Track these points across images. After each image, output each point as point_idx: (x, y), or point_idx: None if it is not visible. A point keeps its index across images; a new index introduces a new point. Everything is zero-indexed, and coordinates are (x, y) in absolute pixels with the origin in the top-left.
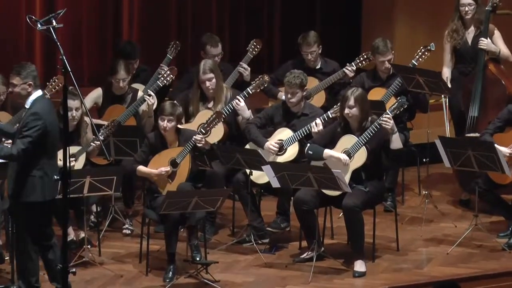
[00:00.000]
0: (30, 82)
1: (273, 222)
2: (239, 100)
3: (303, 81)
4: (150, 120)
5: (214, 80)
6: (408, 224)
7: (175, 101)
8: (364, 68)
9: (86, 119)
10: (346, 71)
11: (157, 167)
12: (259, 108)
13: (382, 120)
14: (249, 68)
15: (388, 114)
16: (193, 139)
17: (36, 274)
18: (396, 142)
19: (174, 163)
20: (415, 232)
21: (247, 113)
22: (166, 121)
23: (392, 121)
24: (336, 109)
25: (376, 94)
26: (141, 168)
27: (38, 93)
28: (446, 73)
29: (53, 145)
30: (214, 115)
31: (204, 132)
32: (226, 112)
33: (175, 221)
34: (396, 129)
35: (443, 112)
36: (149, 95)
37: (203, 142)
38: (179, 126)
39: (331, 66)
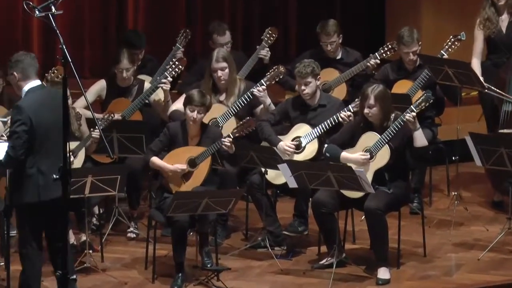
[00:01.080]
0: (15, 73)
1: (289, 226)
2: (260, 87)
3: (315, 69)
4: (167, 105)
5: (227, 70)
6: (436, 227)
7: (203, 90)
8: (389, 59)
9: (79, 110)
10: (369, 62)
11: (173, 163)
12: (275, 102)
13: (406, 117)
14: (268, 50)
15: (413, 111)
16: (221, 142)
17: (37, 281)
18: (420, 139)
19: (192, 163)
20: (443, 236)
21: (268, 100)
22: (196, 112)
23: (415, 118)
24: (357, 102)
25: (401, 87)
26: (155, 160)
27: (31, 84)
28: (476, 64)
29: (44, 141)
30: (246, 122)
31: (232, 137)
32: (239, 106)
33: (183, 226)
34: (418, 126)
35: (474, 106)
36: (164, 82)
37: (230, 148)
38: (204, 121)
39: (352, 57)
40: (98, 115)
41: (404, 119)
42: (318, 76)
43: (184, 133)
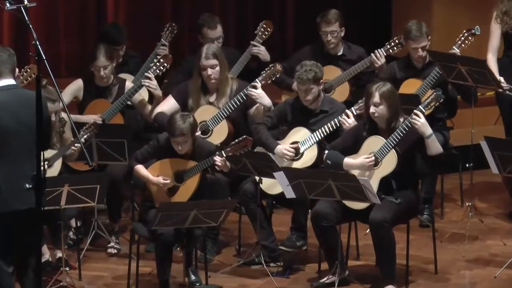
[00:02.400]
0: None
1: (287, 240)
2: (254, 87)
3: (318, 73)
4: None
5: (217, 68)
6: (449, 241)
7: (184, 113)
8: (396, 55)
9: (64, 115)
10: (374, 58)
11: (157, 174)
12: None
13: (414, 118)
14: (263, 47)
15: (422, 111)
16: (213, 159)
17: None
18: (433, 147)
19: (179, 178)
20: (456, 252)
21: (266, 100)
22: (179, 145)
23: (422, 121)
24: (361, 104)
25: (410, 86)
26: (140, 168)
27: (1, 83)
28: (492, 61)
29: (4, 145)
30: (242, 140)
31: (225, 155)
32: (231, 107)
33: (168, 240)
34: (430, 131)
35: (490, 108)
36: (147, 78)
37: (224, 167)
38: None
39: (356, 53)
40: (82, 117)
41: (411, 120)
42: (321, 81)
43: (174, 148)
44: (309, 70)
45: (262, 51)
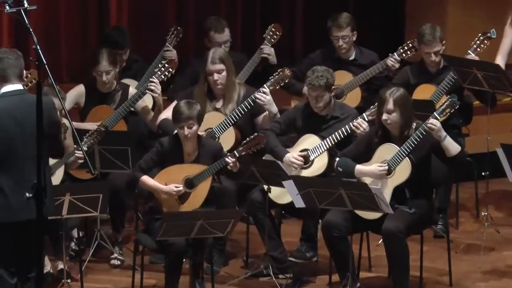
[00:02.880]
0: None
1: (296, 251)
2: (263, 93)
3: (329, 80)
4: (159, 113)
5: (224, 73)
6: (464, 253)
7: (189, 100)
8: (409, 60)
9: (65, 121)
10: (388, 63)
11: (166, 183)
12: (279, 110)
13: (428, 125)
14: (272, 49)
15: (437, 118)
16: (224, 161)
17: None
18: (451, 148)
19: (190, 184)
20: (472, 263)
21: (274, 107)
22: (186, 128)
23: (438, 126)
24: (373, 110)
25: (423, 92)
26: (146, 179)
27: (8, 88)
28: (501, 62)
29: (5, 155)
30: (254, 138)
31: (238, 155)
32: (238, 114)
33: (180, 250)
34: (444, 134)
35: (506, 114)
36: (152, 82)
37: (235, 167)
38: (199, 133)
39: (368, 57)
40: (86, 125)
41: (426, 128)
42: (333, 87)
43: (179, 150)
44: (321, 76)
45: (272, 53)
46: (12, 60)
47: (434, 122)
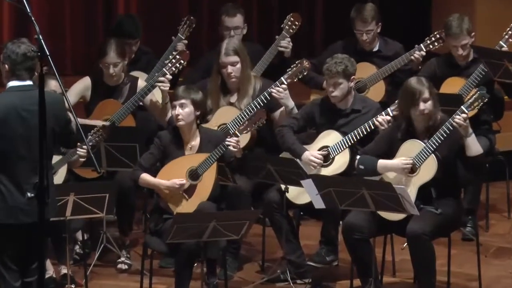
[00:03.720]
0: (6, 65)
1: (315, 255)
2: (280, 86)
3: (348, 67)
4: (166, 107)
5: (238, 66)
6: (494, 256)
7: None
8: (436, 51)
9: (71, 117)
10: (414, 55)
11: (169, 178)
12: (297, 104)
13: (456, 120)
14: (289, 39)
15: (464, 112)
16: (225, 143)
17: None
18: (473, 147)
19: (194, 175)
20: (502, 268)
21: (290, 102)
22: (177, 107)
23: (466, 121)
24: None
25: (452, 85)
26: (146, 177)
27: (16, 82)
28: None
29: (6, 154)
30: (254, 114)
31: (239, 134)
32: (253, 109)
33: (192, 253)
34: (471, 131)
35: None
36: (162, 80)
37: (237, 148)
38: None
39: (393, 49)
40: (90, 121)
41: (453, 123)
42: (352, 77)
43: (178, 141)
44: (339, 63)
45: (289, 46)
46: (15, 54)
47: (462, 117)
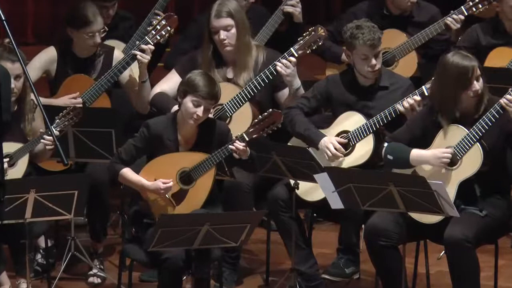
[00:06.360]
0: None
1: (332, 265)
2: (288, 58)
3: (380, 35)
4: (146, 87)
5: (233, 31)
6: None
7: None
8: (480, 16)
9: (32, 96)
10: (450, 19)
11: (155, 177)
12: (310, 81)
13: (504, 101)
14: (299, 4)
15: None
16: (229, 147)
17: None
18: None
19: (186, 178)
20: None
21: (297, 80)
22: (203, 107)
23: None
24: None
25: (500, 57)
26: (127, 173)
27: None
28: None
29: None
30: (268, 116)
31: (248, 139)
32: (256, 87)
33: (177, 265)
34: None
35: None
36: (142, 50)
37: (244, 154)
38: None
39: (427, 13)
40: (56, 101)
41: (503, 104)
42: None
43: (173, 134)
44: (373, 28)
45: (298, 8)
46: None
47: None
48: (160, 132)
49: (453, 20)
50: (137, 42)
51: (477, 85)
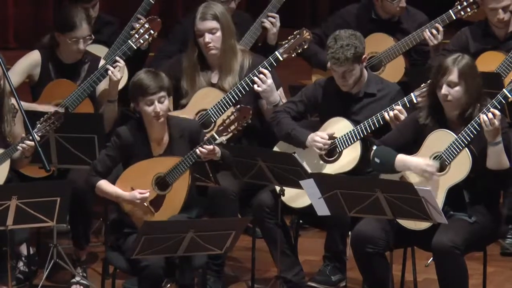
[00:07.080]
0: None
1: (318, 273)
2: (261, 74)
3: (358, 48)
4: (110, 108)
5: (218, 34)
6: None
7: (149, 69)
8: (468, 19)
9: (14, 101)
10: (427, 37)
11: (132, 187)
12: (296, 86)
13: (485, 118)
14: (277, 17)
15: (498, 107)
16: (197, 151)
17: None
18: (494, 158)
19: (162, 184)
20: None
21: (275, 96)
22: (156, 102)
23: (496, 119)
24: (424, 89)
25: (488, 61)
26: (104, 185)
27: None
28: None
29: None
30: (237, 111)
31: (216, 139)
32: (240, 91)
33: (156, 274)
34: (499, 139)
35: None
36: (115, 62)
37: (212, 155)
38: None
39: (415, 21)
40: (40, 106)
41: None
42: (363, 56)
43: (143, 138)
44: (346, 46)
45: (275, 29)
46: None
47: (487, 117)
48: (131, 139)
49: (431, 36)
50: (122, 48)
51: (445, 89)
